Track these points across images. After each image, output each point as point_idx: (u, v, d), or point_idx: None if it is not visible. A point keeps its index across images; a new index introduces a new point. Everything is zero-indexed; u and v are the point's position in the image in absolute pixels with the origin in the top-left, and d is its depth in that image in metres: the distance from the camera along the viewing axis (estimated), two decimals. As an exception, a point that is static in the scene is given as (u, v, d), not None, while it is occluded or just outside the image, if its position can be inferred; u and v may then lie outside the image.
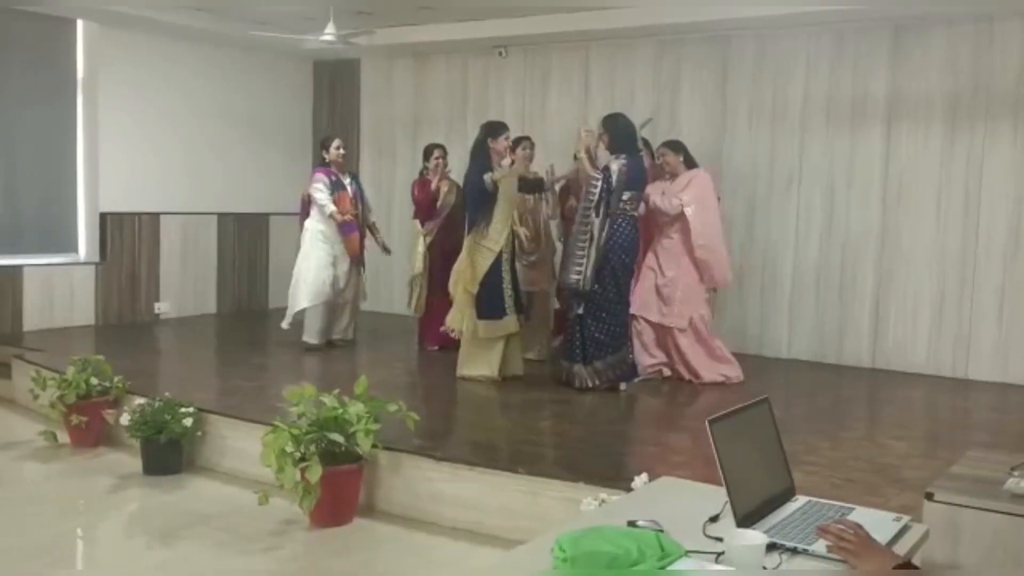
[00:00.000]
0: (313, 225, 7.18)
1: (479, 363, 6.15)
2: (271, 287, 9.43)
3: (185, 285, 8.77)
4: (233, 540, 4.16)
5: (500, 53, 8.52)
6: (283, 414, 4.39)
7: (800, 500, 2.29)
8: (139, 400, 5.24)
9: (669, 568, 1.81)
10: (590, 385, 5.93)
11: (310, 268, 7.11)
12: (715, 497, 2.19)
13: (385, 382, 5.88)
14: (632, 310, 6.20)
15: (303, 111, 9.75)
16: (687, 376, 6.32)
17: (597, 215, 5.84)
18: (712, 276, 6.31)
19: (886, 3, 6.46)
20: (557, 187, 6.79)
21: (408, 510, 4.43)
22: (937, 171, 6.80)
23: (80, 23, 7.98)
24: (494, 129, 6.20)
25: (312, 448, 4.17)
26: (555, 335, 6.89)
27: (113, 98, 8.10)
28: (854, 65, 7.04)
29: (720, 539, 1.97)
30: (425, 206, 7.14)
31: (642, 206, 6.12)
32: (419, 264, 7.13)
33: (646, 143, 6.49)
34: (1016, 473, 2.74)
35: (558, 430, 5.25)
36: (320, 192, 7.07)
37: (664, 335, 6.35)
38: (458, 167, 6.83)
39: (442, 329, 6.39)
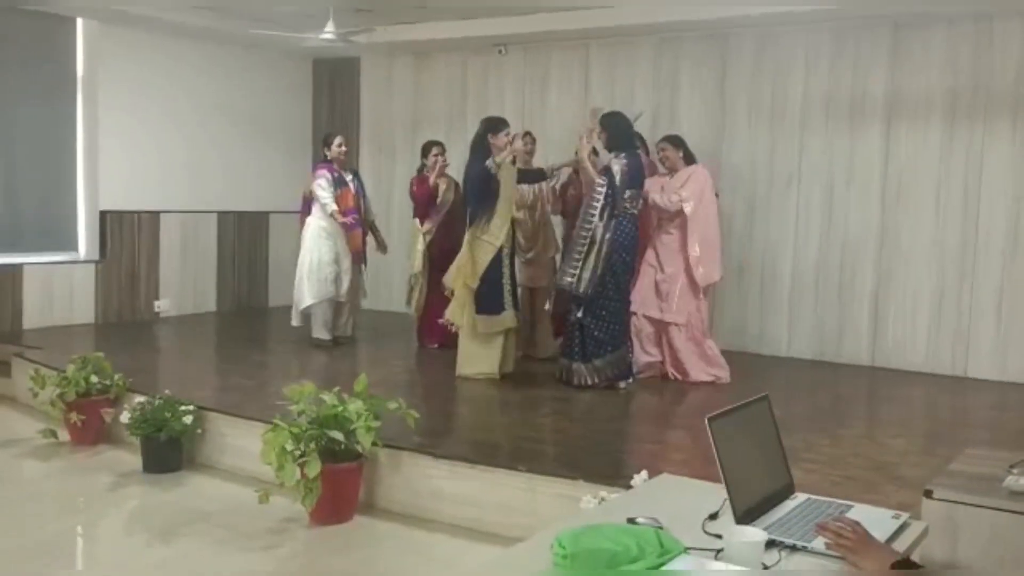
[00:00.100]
0: (315, 222, 7.18)
1: (479, 361, 6.15)
2: (271, 285, 9.43)
3: (185, 283, 8.77)
4: (233, 538, 4.17)
5: (500, 51, 8.52)
6: (283, 412, 4.39)
7: (799, 497, 2.29)
8: (139, 398, 5.24)
9: (668, 564, 1.82)
10: (589, 383, 5.93)
11: (313, 265, 7.11)
12: (714, 494, 2.20)
13: (385, 380, 5.88)
14: (632, 307, 6.20)
15: (303, 109, 9.75)
16: (675, 375, 6.31)
17: (601, 219, 5.84)
18: (701, 272, 6.23)
19: (886, 1, 6.46)
20: (559, 175, 6.78)
21: (408, 507, 4.43)
22: (936, 169, 6.81)
23: (80, 21, 7.98)
24: (494, 125, 6.20)
25: (312, 446, 4.17)
26: (555, 335, 6.88)
27: (113, 96, 8.10)
28: (854, 63, 7.05)
29: (719, 536, 1.97)
30: (424, 203, 7.14)
31: (640, 203, 6.12)
32: (418, 263, 7.13)
33: (640, 138, 6.49)
34: (1015, 470, 2.75)
35: (558, 428, 5.26)
36: (322, 190, 7.07)
37: (661, 332, 6.35)
38: (457, 165, 6.83)
39: (441, 322, 6.38)
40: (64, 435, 5.52)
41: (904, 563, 1.88)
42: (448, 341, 6.65)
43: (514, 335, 6.35)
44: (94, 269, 8.12)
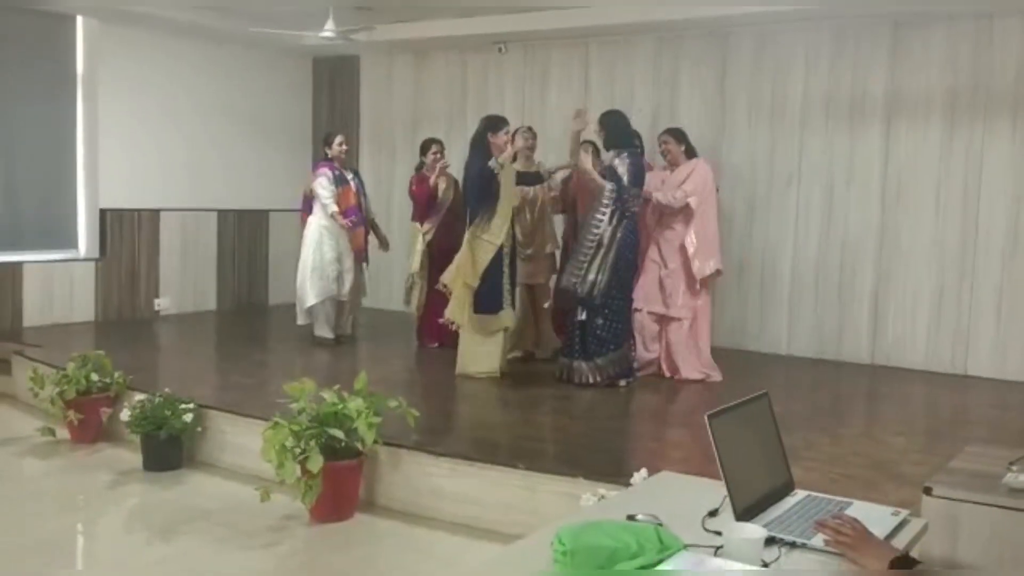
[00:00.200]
0: (317, 221, 7.18)
1: (481, 360, 6.15)
2: (271, 283, 9.43)
3: (185, 281, 8.77)
4: (233, 536, 4.17)
5: (500, 49, 8.52)
6: (284, 409, 4.39)
7: (799, 494, 2.30)
8: (139, 396, 5.25)
9: (668, 561, 1.82)
10: (591, 381, 5.93)
11: (316, 264, 7.12)
12: (714, 491, 2.20)
13: (385, 378, 5.88)
14: (637, 304, 6.20)
15: (303, 107, 9.75)
16: (667, 372, 6.30)
17: (610, 223, 5.84)
18: (696, 265, 6.17)
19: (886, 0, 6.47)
20: (558, 176, 6.78)
21: (408, 505, 4.44)
22: (936, 168, 6.81)
23: (80, 19, 7.97)
24: (494, 123, 6.20)
25: (312, 443, 4.18)
26: (557, 333, 6.86)
27: (113, 94, 8.10)
28: (854, 62, 7.04)
29: (719, 533, 1.98)
30: (423, 202, 7.14)
31: (640, 201, 6.11)
32: (417, 263, 7.13)
33: (638, 136, 6.47)
34: (1014, 468, 2.75)
35: (558, 426, 5.26)
36: (323, 189, 7.08)
37: (664, 328, 6.33)
38: (457, 163, 6.83)
39: (441, 321, 6.38)
40: (64, 433, 5.52)
41: (903, 559, 1.89)
42: (448, 340, 6.65)
43: (511, 335, 6.35)
44: (94, 267, 8.12)
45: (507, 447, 4.76)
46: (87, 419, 5.45)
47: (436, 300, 6.86)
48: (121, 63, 8.13)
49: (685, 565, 1.81)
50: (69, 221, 8.10)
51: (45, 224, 7.96)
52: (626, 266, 5.94)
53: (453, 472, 4.35)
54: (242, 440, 4.93)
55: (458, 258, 6.13)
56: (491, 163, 5.96)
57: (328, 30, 7.21)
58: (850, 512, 2.11)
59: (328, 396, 4.37)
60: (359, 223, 7.24)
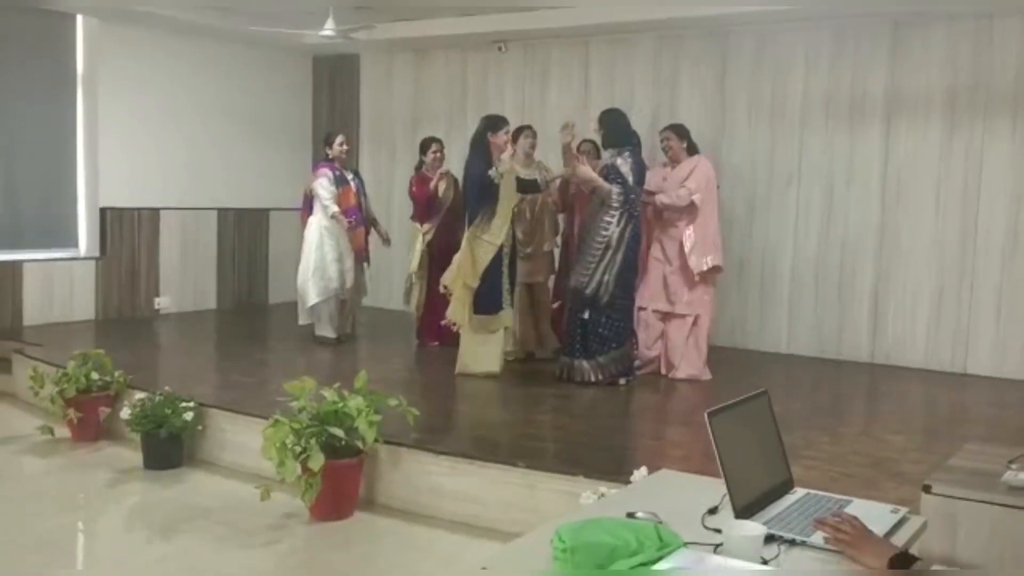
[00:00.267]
0: (318, 220, 7.18)
1: (481, 359, 6.15)
2: (271, 282, 9.43)
3: (185, 280, 8.78)
4: (233, 534, 4.17)
5: (500, 48, 8.52)
6: (284, 408, 4.40)
7: (798, 492, 2.30)
8: (139, 394, 5.25)
9: (667, 558, 1.82)
10: (592, 379, 5.93)
11: (318, 263, 7.12)
12: (714, 489, 2.20)
13: (385, 377, 5.88)
14: (642, 303, 6.20)
15: (303, 106, 9.75)
16: (663, 370, 6.29)
17: (619, 225, 5.83)
18: (693, 260, 6.16)
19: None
20: (556, 183, 6.79)
21: (408, 504, 4.44)
22: (936, 167, 6.81)
23: (80, 18, 7.97)
24: (494, 123, 6.20)
25: (312, 442, 4.18)
26: (555, 333, 6.86)
27: (113, 93, 8.10)
28: (854, 62, 7.05)
29: (719, 530, 1.98)
30: (423, 203, 7.14)
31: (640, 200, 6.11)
32: (416, 262, 7.13)
33: (636, 136, 6.45)
34: (1013, 466, 2.76)
35: (558, 424, 5.26)
36: (324, 189, 7.08)
37: (667, 326, 6.32)
38: (457, 162, 6.83)
39: (443, 323, 6.39)
40: (64, 432, 5.53)
41: (902, 557, 1.89)
42: (448, 339, 6.65)
43: (508, 334, 6.35)
44: (94, 266, 8.12)
45: (507, 445, 4.77)
46: (87, 418, 5.45)
47: (436, 300, 6.87)
48: (121, 62, 8.13)
49: (685, 563, 1.81)
50: (69, 220, 8.10)
51: (45, 223, 7.97)
52: (629, 265, 5.95)
53: (453, 470, 4.35)
54: (242, 438, 4.94)
55: (458, 258, 6.13)
56: (491, 172, 5.96)
57: (328, 29, 7.21)
58: (849, 510, 2.12)
59: (328, 395, 4.37)
60: (359, 223, 7.25)
